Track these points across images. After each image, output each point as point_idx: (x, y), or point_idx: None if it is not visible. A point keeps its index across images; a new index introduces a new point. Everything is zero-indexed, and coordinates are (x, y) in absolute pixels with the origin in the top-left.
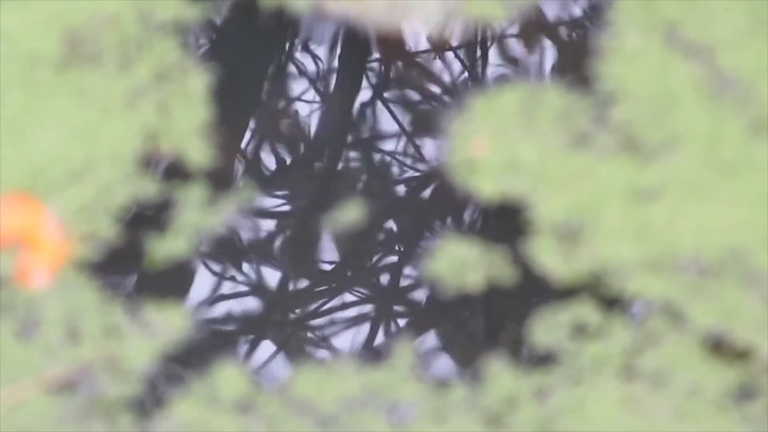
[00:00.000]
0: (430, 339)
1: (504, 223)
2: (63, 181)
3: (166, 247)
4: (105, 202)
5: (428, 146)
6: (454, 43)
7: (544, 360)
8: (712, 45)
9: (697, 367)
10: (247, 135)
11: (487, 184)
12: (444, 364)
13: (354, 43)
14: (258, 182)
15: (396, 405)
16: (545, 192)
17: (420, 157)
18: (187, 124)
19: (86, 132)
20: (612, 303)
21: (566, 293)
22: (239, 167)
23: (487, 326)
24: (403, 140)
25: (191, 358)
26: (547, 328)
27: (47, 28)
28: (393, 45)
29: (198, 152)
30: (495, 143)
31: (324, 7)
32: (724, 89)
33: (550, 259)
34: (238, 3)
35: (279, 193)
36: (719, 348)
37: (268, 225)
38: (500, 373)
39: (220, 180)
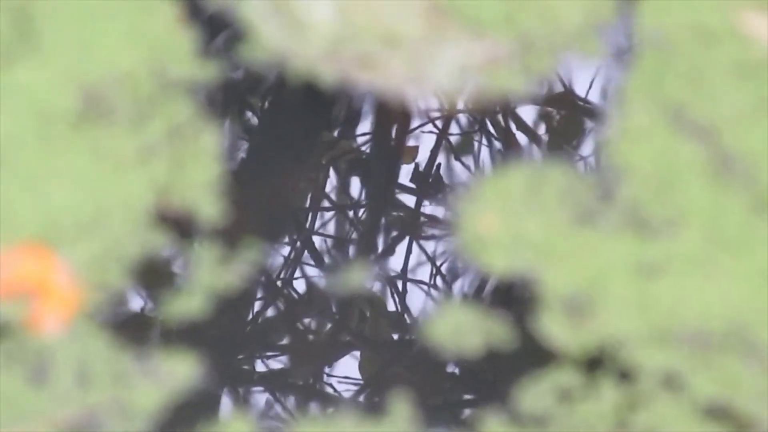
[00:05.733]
0: (429, 395)
1: (504, 292)
2: (75, 232)
3: (179, 305)
4: (116, 254)
5: (438, 218)
6: (468, 115)
7: (539, 418)
8: (716, 125)
9: (689, 425)
10: (260, 194)
11: (496, 260)
12: (442, 419)
13: (356, 109)
14: (269, 241)
15: None
16: (552, 267)
17: (431, 225)
18: (199, 181)
19: (99, 186)
20: (594, 365)
21: (562, 358)
22: (251, 226)
23: (484, 385)
24: (414, 210)
25: (198, 406)
26: (533, 396)
27: (63, 85)
28: (407, 116)
29: (209, 209)
30: (503, 220)
31: (349, 79)
32: (727, 168)
33: (558, 331)
34: (254, 64)
35: (288, 252)
36: (719, 416)
37: (278, 283)
38: (496, 429)
39: (231, 238)
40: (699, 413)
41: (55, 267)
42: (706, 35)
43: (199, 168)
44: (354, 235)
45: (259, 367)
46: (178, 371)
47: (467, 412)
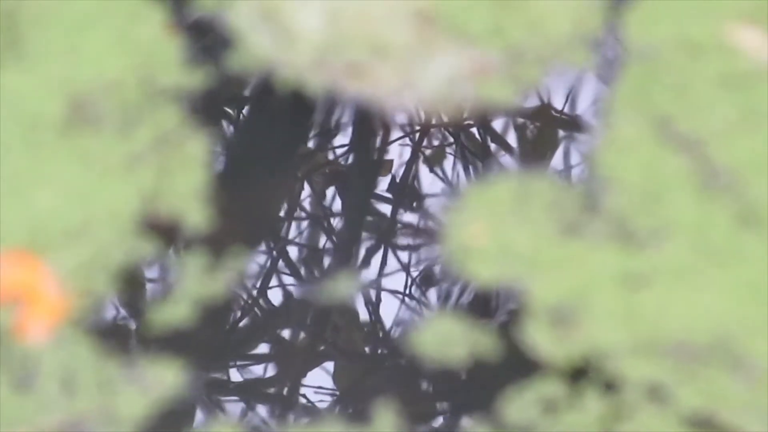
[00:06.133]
0: (414, 404)
1: (490, 301)
2: (61, 239)
3: (165, 313)
4: (102, 262)
5: (425, 229)
6: (454, 126)
7: (524, 428)
8: (703, 137)
9: None
10: (247, 201)
11: (483, 270)
12: (426, 429)
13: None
14: (254, 249)
15: None
16: (539, 277)
17: (418, 236)
18: (186, 188)
19: (85, 193)
20: (577, 375)
21: (547, 368)
22: (238, 233)
23: (470, 395)
24: (399, 219)
25: (183, 414)
26: (518, 406)
27: (50, 92)
28: (393, 124)
29: (196, 216)
30: (490, 231)
31: (337, 88)
32: (713, 180)
33: (543, 341)
34: (243, 72)
35: (272, 261)
36: (703, 428)
37: (262, 291)
38: None
39: (218, 245)
40: (684, 425)
41: (42, 274)
42: (693, 47)
43: (186, 176)
44: (339, 246)
45: (245, 375)
46: (164, 379)
47: (452, 422)
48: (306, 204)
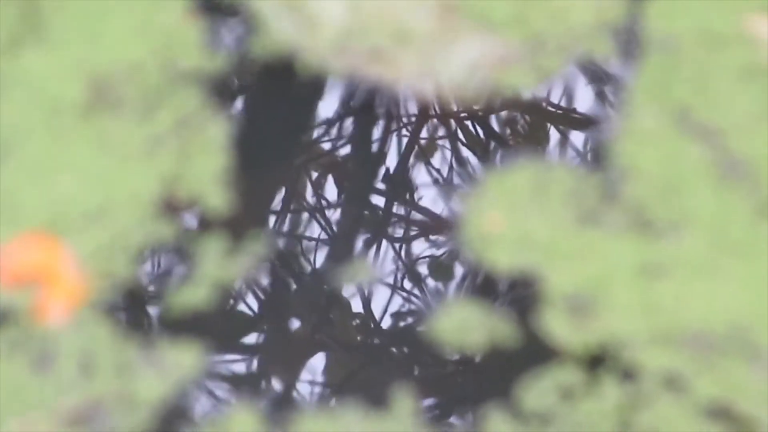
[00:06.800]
0: (433, 391)
1: (508, 290)
2: (81, 222)
3: (183, 296)
4: (122, 244)
5: (443, 216)
6: (477, 111)
7: (542, 416)
8: (722, 128)
9: (691, 426)
10: (267, 185)
11: (501, 258)
12: (444, 416)
13: (376, 103)
14: (273, 232)
15: None
16: (556, 266)
17: (434, 224)
18: (206, 172)
19: (106, 176)
20: (596, 364)
21: (565, 356)
22: (257, 217)
23: (488, 382)
24: (416, 208)
25: (202, 397)
26: (536, 393)
27: (71, 75)
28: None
29: (216, 200)
30: (508, 219)
31: (359, 74)
32: (732, 171)
33: (561, 330)
34: (259, 56)
35: (294, 244)
36: (721, 418)
37: (282, 273)
38: (500, 426)
39: (237, 229)
40: (701, 414)
41: (62, 256)
42: (713, 39)
43: (205, 159)
44: (357, 232)
45: (263, 359)
46: (182, 362)
47: (470, 409)
48: (326, 191)
